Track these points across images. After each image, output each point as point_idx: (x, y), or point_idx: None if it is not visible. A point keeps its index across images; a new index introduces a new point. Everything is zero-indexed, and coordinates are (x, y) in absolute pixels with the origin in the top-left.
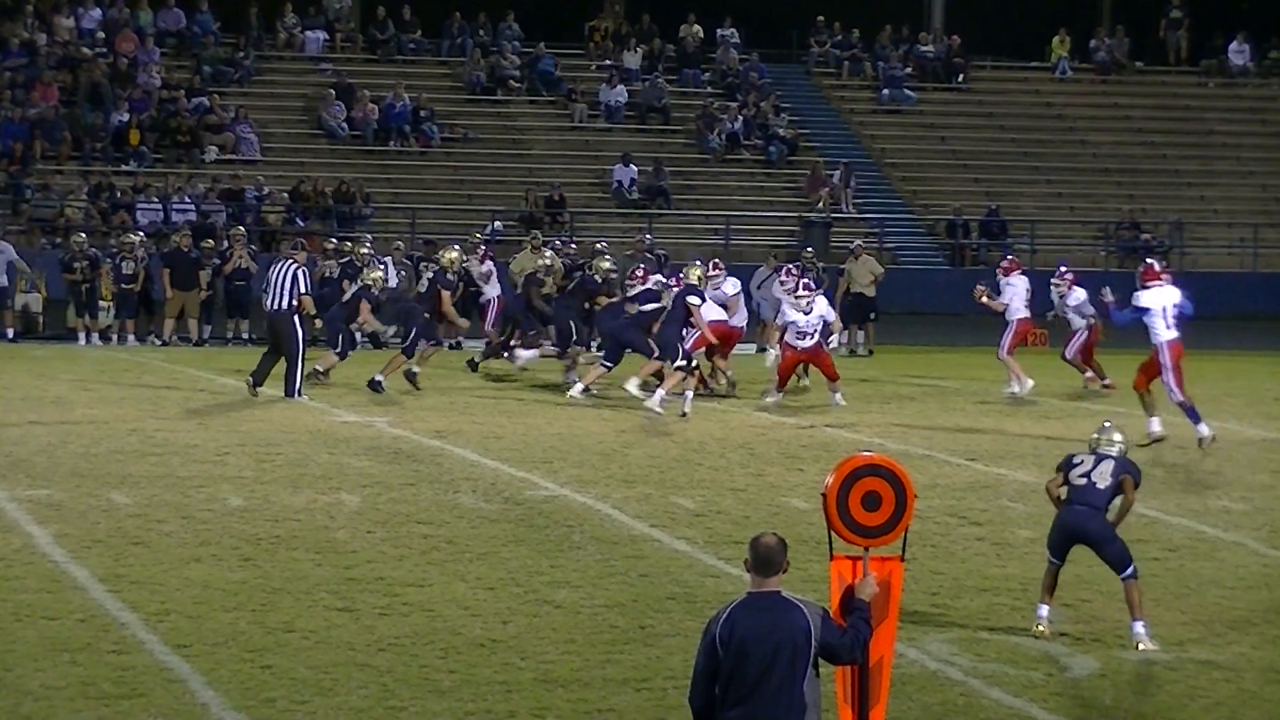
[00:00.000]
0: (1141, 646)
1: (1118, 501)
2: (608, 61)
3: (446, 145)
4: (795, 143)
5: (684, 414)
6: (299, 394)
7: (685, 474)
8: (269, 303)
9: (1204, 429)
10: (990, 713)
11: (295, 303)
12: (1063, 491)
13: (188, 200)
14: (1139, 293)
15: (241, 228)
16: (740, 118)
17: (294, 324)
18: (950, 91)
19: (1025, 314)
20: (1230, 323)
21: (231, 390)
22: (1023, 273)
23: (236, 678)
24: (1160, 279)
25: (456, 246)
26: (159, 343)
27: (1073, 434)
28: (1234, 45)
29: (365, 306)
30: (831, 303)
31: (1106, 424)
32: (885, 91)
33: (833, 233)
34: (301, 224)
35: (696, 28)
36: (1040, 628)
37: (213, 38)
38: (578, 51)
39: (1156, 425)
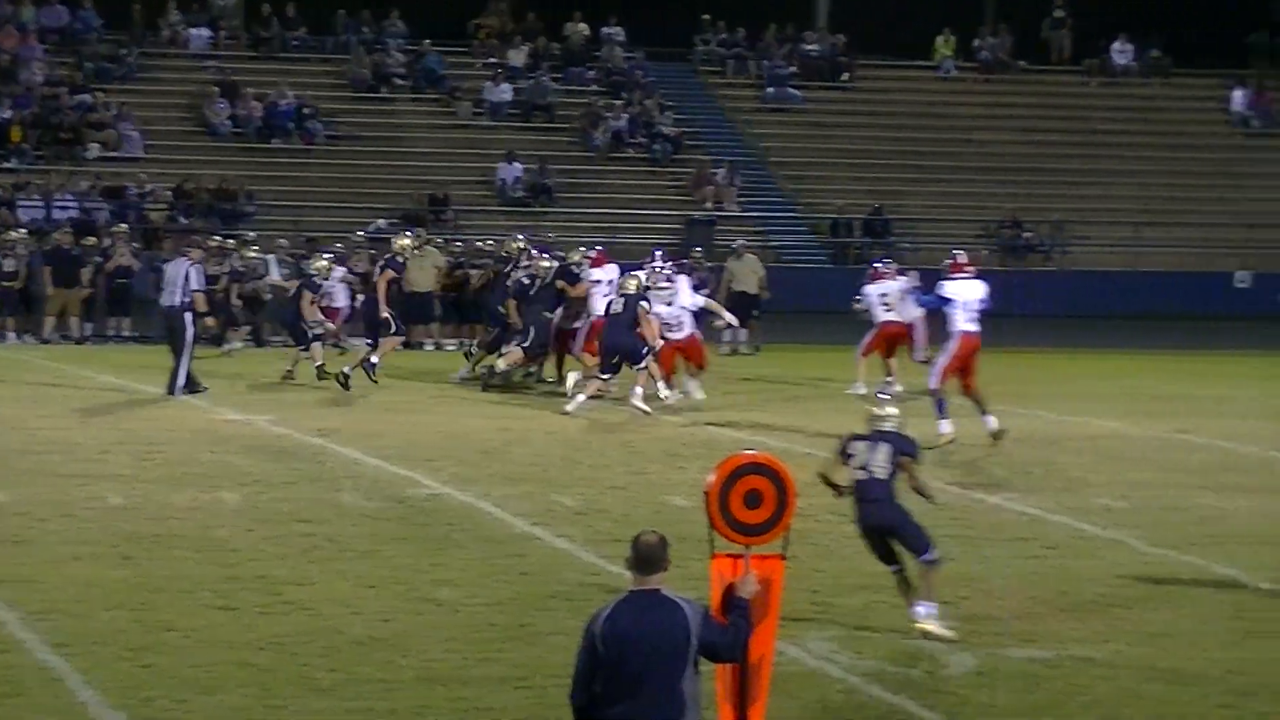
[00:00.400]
0: (921, 626)
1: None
2: (492, 60)
3: (331, 143)
4: (680, 141)
5: (566, 411)
6: (180, 393)
7: (567, 472)
8: (165, 299)
9: (945, 426)
10: (870, 710)
11: (188, 299)
12: (844, 476)
13: (70, 198)
14: (943, 282)
15: (124, 225)
16: (625, 116)
17: (185, 321)
18: (835, 90)
19: (891, 318)
20: (1111, 321)
21: (113, 388)
22: (900, 273)
23: (116, 676)
24: (964, 271)
25: (327, 256)
26: (40, 341)
27: (954, 432)
28: (1117, 45)
29: (308, 297)
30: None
31: (881, 395)
32: (770, 90)
33: (717, 231)
34: (185, 222)
35: (582, 26)
36: (920, 624)
37: (96, 34)
38: (462, 50)
39: (992, 422)
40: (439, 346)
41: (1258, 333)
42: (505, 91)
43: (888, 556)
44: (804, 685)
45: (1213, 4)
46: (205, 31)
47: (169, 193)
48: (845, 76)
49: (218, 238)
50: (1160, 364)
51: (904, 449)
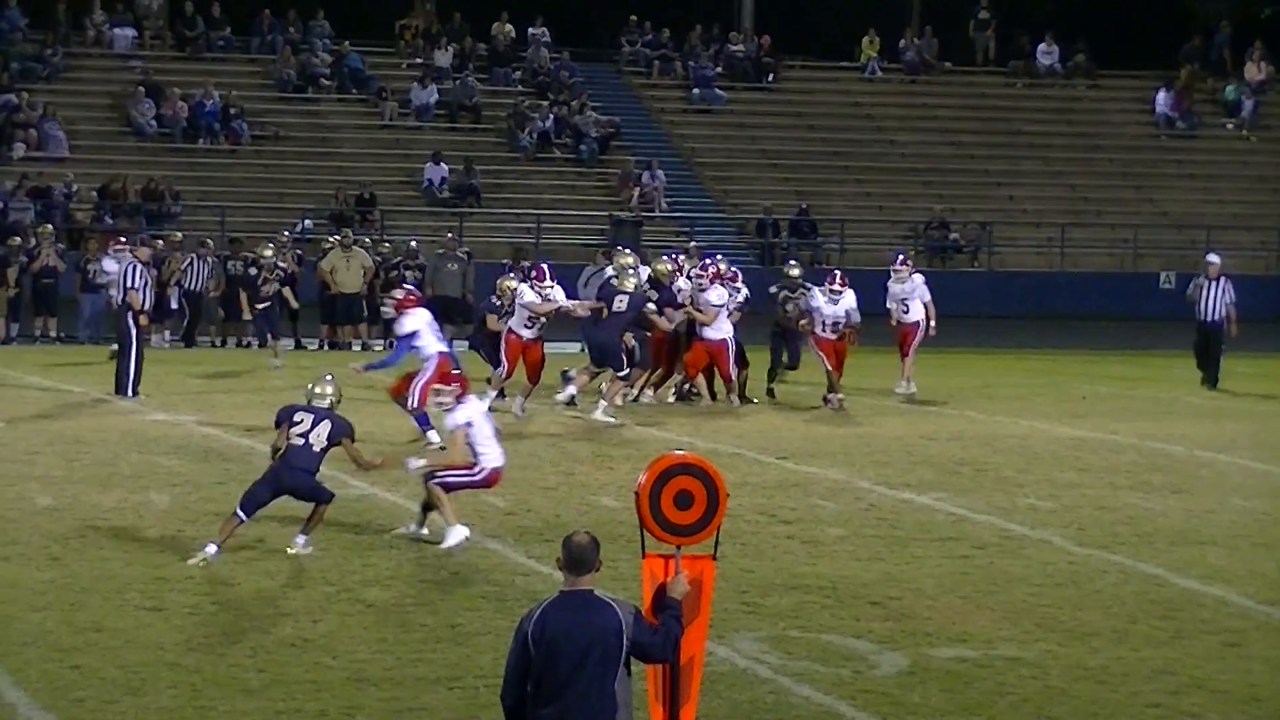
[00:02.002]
0: (294, 551)
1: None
2: (419, 60)
3: (256, 143)
4: (606, 141)
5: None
6: (132, 392)
7: None
8: (115, 299)
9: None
10: (799, 710)
11: (125, 299)
12: (283, 445)
13: None
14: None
15: (49, 225)
16: (551, 116)
17: (127, 320)
18: (760, 91)
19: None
20: (1037, 322)
21: (40, 388)
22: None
23: (45, 677)
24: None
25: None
26: None
27: (883, 432)
28: (1041, 47)
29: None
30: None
31: (327, 376)
32: (696, 91)
33: (643, 231)
34: (110, 222)
35: (508, 26)
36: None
37: (20, 34)
38: (388, 50)
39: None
40: (366, 347)
41: (1183, 334)
42: (431, 92)
43: (259, 507)
44: (734, 685)
45: (1136, 7)
46: (130, 31)
47: (94, 193)
48: (770, 78)
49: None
50: (1087, 364)
51: (344, 430)
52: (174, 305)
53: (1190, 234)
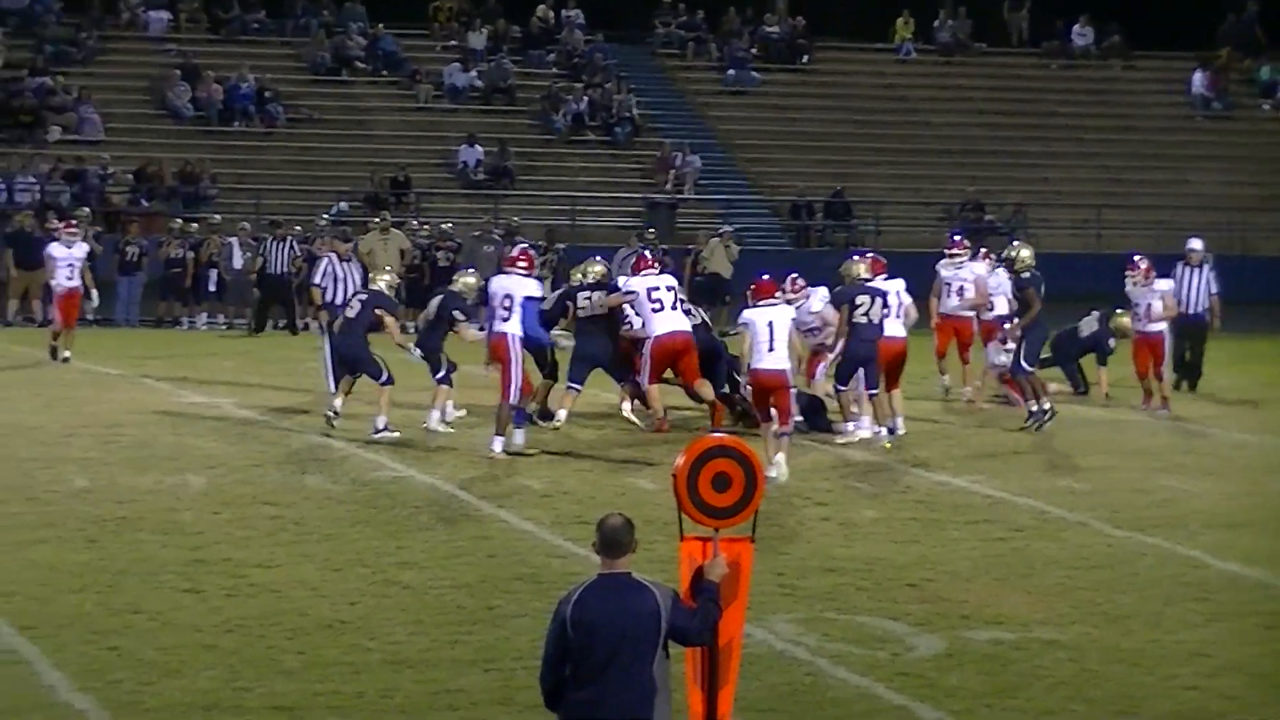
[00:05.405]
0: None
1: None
2: (452, 42)
3: (291, 126)
4: (640, 124)
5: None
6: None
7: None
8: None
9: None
10: (836, 692)
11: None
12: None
13: (31, 180)
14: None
15: (85, 209)
16: (585, 99)
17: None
18: (795, 73)
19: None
20: (1073, 304)
21: (76, 371)
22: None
23: (82, 659)
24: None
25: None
26: (3, 324)
27: (913, 413)
28: (1076, 27)
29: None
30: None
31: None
32: (730, 72)
33: (678, 214)
34: (146, 204)
35: (542, 8)
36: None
37: (54, 17)
38: (422, 32)
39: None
40: (404, 329)
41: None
42: (465, 74)
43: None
44: (771, 668)
45: None
46: (164, 14)
47: (130, 175)
48: (805, 59)
49: (179, 220)
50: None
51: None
52: (211, 288)
53: (1225, 215)
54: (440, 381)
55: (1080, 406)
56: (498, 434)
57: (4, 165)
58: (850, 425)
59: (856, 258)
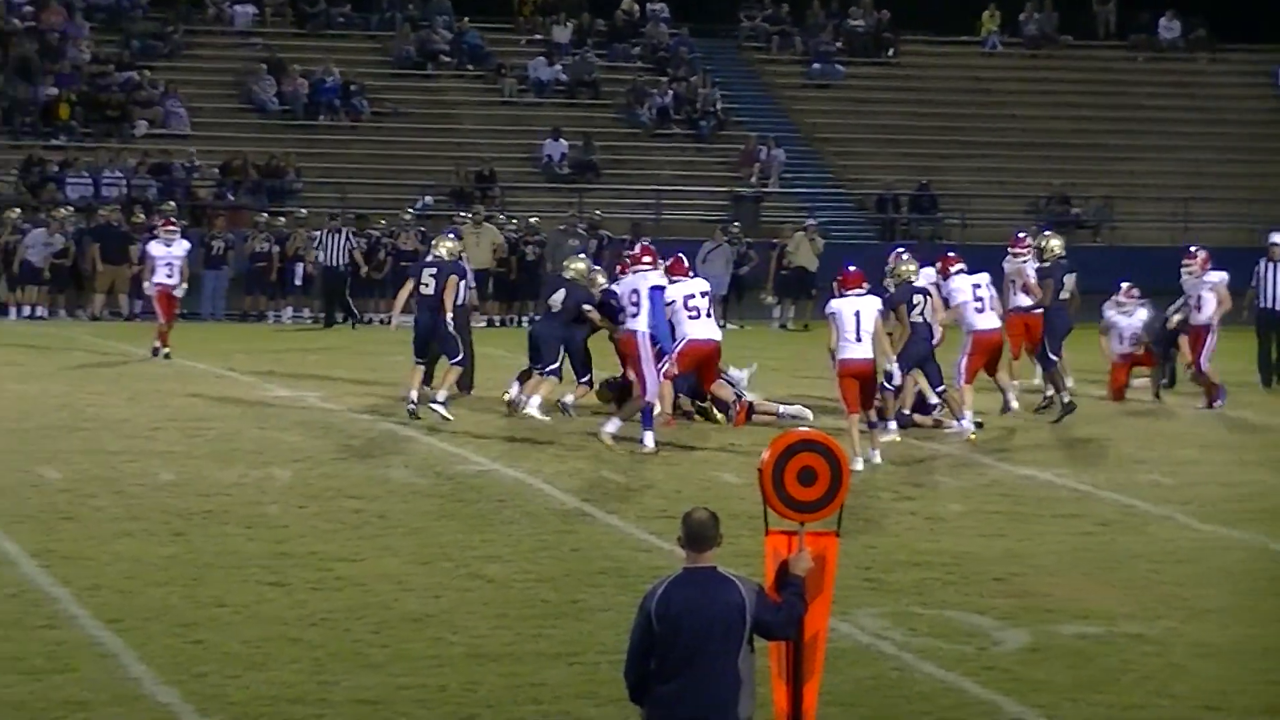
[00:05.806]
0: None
1: None
2: (537, 36)
3: (376, 120)
4: (725, 117)
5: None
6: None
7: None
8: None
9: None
10: (923, 686)
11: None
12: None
13: (118, 174)
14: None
15: (172, 202)
16: (670, 92)
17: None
18: (879, 66)
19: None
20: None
21: (163, 365)
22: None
23: (168, 652)
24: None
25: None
26: (89, 318)
27: (989, 405)
28: (1163, 20)
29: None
30: (766, 277)
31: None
32: (815, 66)
33: (763, 208)
34: (231, 198)
35: (627, 1)
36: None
37: (141, 12)
38: (507, 26)
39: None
40: (490, 323)
41: None
42: (550, 68)
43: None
44: (857, 662)
45: None
46: (250, 8)
47: (216, 169)
48: (890, 52)
49: (264, 214)
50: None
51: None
52: (297, 282)
53: None
54: (548, 374)
55: (1168, 399)
56: (619, 418)
57: (91, 159)
58: (956, 423)
59: (905, 255)
